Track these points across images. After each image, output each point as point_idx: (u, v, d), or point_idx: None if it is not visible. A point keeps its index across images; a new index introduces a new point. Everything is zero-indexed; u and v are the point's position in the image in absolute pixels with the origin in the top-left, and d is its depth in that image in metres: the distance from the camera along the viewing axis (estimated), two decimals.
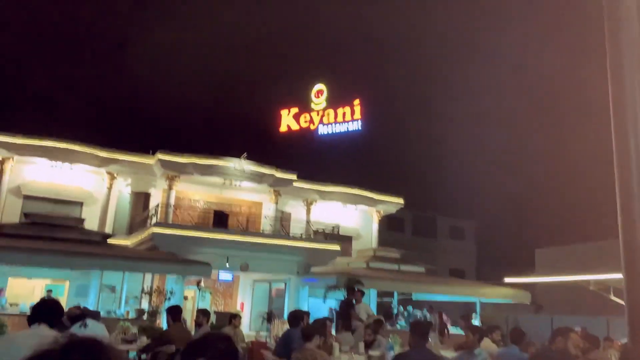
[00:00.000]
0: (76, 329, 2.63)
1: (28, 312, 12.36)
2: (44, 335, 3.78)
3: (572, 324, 20.58)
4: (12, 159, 19.95)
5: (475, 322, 18.14)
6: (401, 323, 18.43)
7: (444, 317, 19.36)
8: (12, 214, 19.27)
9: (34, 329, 3.77)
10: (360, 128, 25.71)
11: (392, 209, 26.26)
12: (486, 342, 7.77)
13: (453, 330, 16.94)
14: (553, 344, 4.33)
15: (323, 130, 26.07)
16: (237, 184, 21.82)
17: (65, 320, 7.35)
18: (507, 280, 21.37)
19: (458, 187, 42.94)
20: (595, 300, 19.26)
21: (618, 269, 4.88)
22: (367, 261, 20.55)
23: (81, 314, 7.40)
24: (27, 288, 17.94)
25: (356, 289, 12.99)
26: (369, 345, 7.60)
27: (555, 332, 4.41)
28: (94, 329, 2.71)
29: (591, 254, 21.35)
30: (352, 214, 25.09)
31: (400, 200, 25.84)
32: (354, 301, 12.06)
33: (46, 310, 3.87)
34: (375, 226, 25.64)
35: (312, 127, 26.13)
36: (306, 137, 26.15)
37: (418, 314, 19.19)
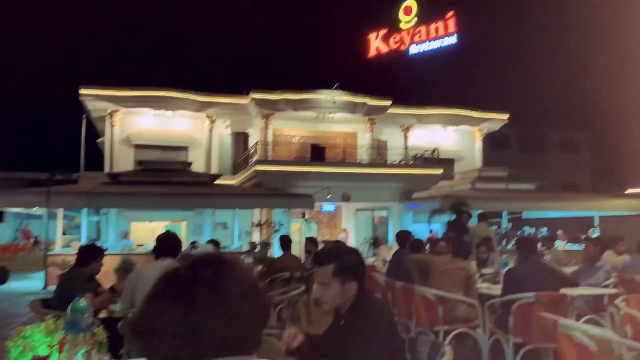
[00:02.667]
0: (187, 250, 2.82)
1: (152, 252, 13.37)
2: (169, 265, 4.08)
3: None
4: (120, 111, 21.27)
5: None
6: (512, 242, 17.90)
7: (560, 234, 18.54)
8: (126, 163, 20.76)
9: (160, 262, 4.07)
10: (455, 42, 24.28)
11: (496, 127, 24.99)
12: (609, 255, 7.27)
13: (557, 244, 16.15)
14: None
15: (415, 49, 24.95)
16: (331, 116, 21.76)
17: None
18: (630, 191, 19.80)
19: (567, 97, 39.76)
20: None
21: None
22: (472, 182, 19.90)
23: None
24: (148, 230, 19.54)
25: (463, 212, 12.67)
26: (481, 264, 7.41)
27: None
28: (204, 249, 2.86)
29: None
30: (452, 136, 24.25)
31: (505, 116, 24.49)
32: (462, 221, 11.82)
33: (168, 245, 4.17)
34: (478, 146, 24.65)
35: (402, 47, 25.08)
36: (397, 59, 25.22)
37: (531, 231, 18.55)
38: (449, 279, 5.25)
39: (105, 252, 15.05)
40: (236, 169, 21.78)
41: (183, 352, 1.04)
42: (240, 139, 22.70)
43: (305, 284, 7.11)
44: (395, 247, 16.58)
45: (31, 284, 14.33)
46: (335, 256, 2.34)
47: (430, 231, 17.80)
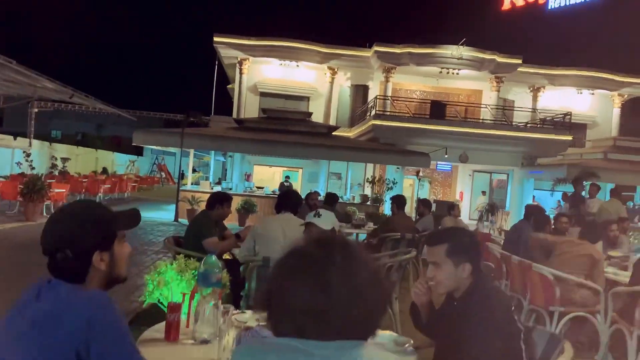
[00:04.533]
0: (311, 218, 2.99)
1: (270, 194, 14.12)
2: (290, 219, 4.36)
3: None
4: (249, 59, 22.16)
5: None
6: None
7: None
8: (252, 110, 21.77)
9: (283, 215, 4.35)
10: None
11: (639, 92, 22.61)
12: None
13: None
14: None
15: (554, 3, 22.95)
16: (455, 72, 20.95)
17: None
18: None
19: None
20: None
21: None
22: (605, 152, 18.39)
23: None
24: (268, 174, 20.60)
25: (589, 183, 11.82)
26: (609, 245, 6.95)
27: None
28: (327, 218, 3.00)
29: None
30: (587, 100, 22.36)
31: None
32: (583, 194, 11.04)
33: (289, 200, 4.44)
34: (616, 112, 22.54)
35: (540, 1, 23.17)
36: (533, 13, 23.38)
37: None
38: (572, 262, 5.03)
39: (230, 192, 16.09)
40: (354, 121, 21.96)
41: (309, 328, 1.11)
42: (360, 91, 22.74)
43: (415, 246, 7.20)
44: (513, 214, 16.02)
45: (164, 215, 15.83)
46: (449, 236, 2.31)
47: (558, 202, 16.81)
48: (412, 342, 2.42)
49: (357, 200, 16.64)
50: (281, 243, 4.02)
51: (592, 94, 22.19)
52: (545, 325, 4.98)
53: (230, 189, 16.69)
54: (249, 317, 2.54)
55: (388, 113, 19.01)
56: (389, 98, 20.71)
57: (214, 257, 2.42)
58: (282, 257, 1.20)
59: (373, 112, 19.20)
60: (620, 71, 21.81)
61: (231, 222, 13.98)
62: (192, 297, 2.42)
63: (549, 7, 22.84)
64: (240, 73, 22.42)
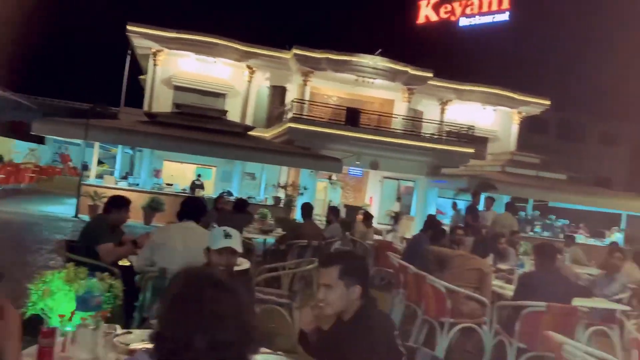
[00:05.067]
0: (221, 239, 2.89)
1: (180, 193, 13.68)
2: (192, 228, 4.25)
3: None
4: (164, 51, 21.43)
5: (618, 237, 16.93)
6: (537, 230, 17.81)
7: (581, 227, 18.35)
8: (165, 104, 21.08)
9: (184, 224, 4.23)
10: (507, 19, 23.46)
11: (536, 111, 24.39)
12: (630, 268, 7.21)
13: (579, 239, 16.03)
14: None
15: (465, 22, 24.21)
16: (370, 81, 21.54)
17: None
18: None
19: (616, 88, 38.21)
20: None
21: None
22: (503, 165, 19.67)
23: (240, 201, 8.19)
24: (179, 170, 20.01)
25: (481, 194, 12.57)
26: (499, 258, 7.43)
27: None
28: (237, 238, 2.95)
29: None
30: (490, 115, 23.80)
31: (546, 102, 23.83)
32: (478, 207, 11.75)
33: (192, 208, 4.32)
34: (515, 128, 24.16)
35: (452, 18, 24.36)
36: (445, 30, 24.56)
37: (557, 223, 18.40)
38: (463, 276, 5.33)
39: (136, 188, 15.42)
40: (271, 122, 21.92)
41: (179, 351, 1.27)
42: (278, 92, 22.75)
43: (321, 253, 7.31)
44: (418, 221, 16.67)
45: (65, 209, 14.93)
46: (341, 258, 2.38)
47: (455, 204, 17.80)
48: None
49: (270, 202, 16.64)
50: (181, 253, 3.92)
51: (495, 110, 23.65)
52: (437, 335, 5.24)
53: (137, 184, 16.07)
54: (134, 338, 2.44)
55: (305, 117, 19.17)
56: (307, 102, 20.88)
57: (94, 280, 2.32)
58: (166, 293, 1.37)
59: (290, 115, 19.28)
60: (520, 90, 23.42)
61: (137, 221, 13.47)
62: (70, 319, 2.29)
63: (460, 25, 24.09)
64: (155, 65, 21.64)
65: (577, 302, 5.02)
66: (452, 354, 5.37)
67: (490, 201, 12.23)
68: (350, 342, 2.20)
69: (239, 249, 2.99)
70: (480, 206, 12.21)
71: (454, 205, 16.14)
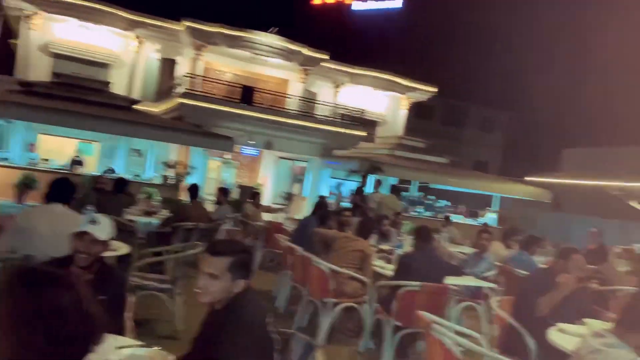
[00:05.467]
0: (86, 225, 2.68)
1: (58, 169, 12.69)
2: (61, 212, 3.92)
3: (588, 225, 20.78)
4: (41, 14, 19.58)
5: (491, 217, 18.41)
6: (420, 210, 18.79)
7: (463, 208, 19.69)
8: (42, 72, 19.33)
9: (52, 207, 3.90)
10: (400, 7, 24.26)
11: (424, 97, 25.60)
12: (496, 246, 7.84)
13: (458, 218, 17.34)
14: (554, 265, 4.30)
15: (358, 6, 24.67)
16: (265, 60, 21.31)
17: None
18: (529, 178, 21.34)
19: (498, 78, 41.17)
20: (611, 203, 19.24)
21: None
22: (391, 148, 20.48)
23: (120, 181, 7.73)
24: (58, 145, 18.48)
25: (369, 176, 13.03)
26: (382, 238, 7.74)
27: (560, 254, 4.36)
28: (104, 226, 2.74)
29: (615, 158, 20.86)
30: (380, 100, 24.58)
31: (433, 89, 25.07)
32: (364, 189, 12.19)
33: (61, 190, 3.98)
34: (403, 113, 25.20)
35: (347, 1, 24.72)
36: (340, 13, 24.87)
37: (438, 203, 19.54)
38: (347, 257, 5.49)
39: (6, 163, 14.06)
40: (161, 96, 20.95)
41: None
42: (168, 66, 21.75)
43: (210, 236, 7.17)
44: (309, 201, 16.91)
45: None
46: (233, 250, 2.28)
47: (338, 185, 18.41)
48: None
49: (157, 181, 15.96)
50: (47, 240, 3.61)
51: (385, 95, 24.48)
52: (320, 315, 5.36)
53: (7, 159, 14.70)
54: None
55: (197, 92, 18.54)
56: (199, 77, 20.20)
57: None
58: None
59: (181, 90, 18.55)
60: (409, 76, 24.41)
61: (7, 199, 12.32)
62: None
63: (354, 9, 24.53)
64: (29, 29, 19.71)
65: (450, 280, 5.37)
66: (335, 332, 5.54)
67: (378, 183, 12.72)
68: (221, 330, 2.16)
69: (103, 236, 2.78)
70: (370, 187, 12.69)
71: (337, 186, 16.71)
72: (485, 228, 7.87)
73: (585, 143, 27.01)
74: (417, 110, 29.60)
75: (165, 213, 8.24)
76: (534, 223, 22.28)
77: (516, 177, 22.07)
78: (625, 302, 2.81)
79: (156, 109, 19.95)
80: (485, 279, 6.58)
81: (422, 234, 5.26)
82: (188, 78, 19.55)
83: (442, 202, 20.47)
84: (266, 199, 18.86)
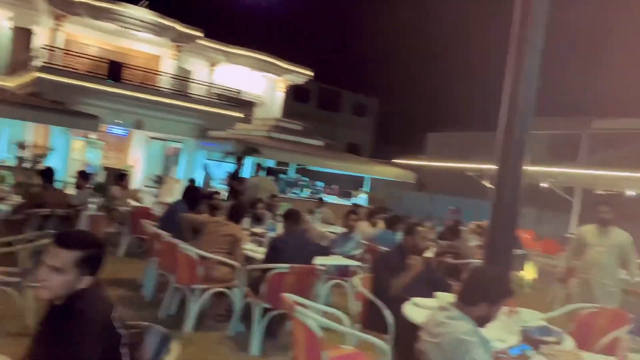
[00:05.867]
0: None
1: None
2: None
3: (449, 203, 22.56)
4: None
5: (362, 198, 19.26)
6: (296, 192, 19.09)
7: (333, 188, 20.36)
8: None
9: None
10: None
11: (300, 80, 25.83)
12: (363, 225, 8.23)
13: (332, 199, 18.04)
14: (403, 241, 4.62)
15: None
16: (135, 34, 20.10)
17: None
18: (396, 161, 22.66)
19: (369, 64, 42.85)
20: (469, 183, 21.10)
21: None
22: (269, 130, 20.50)
23: None
24: None
25: (245, 158, 12.97)
26: (256, 221, 7.75)
27: (406, 231, 4.70)
28: None
29: (471, 142, 22.87)
30: (257, 81, 24.40)
31: (310, 72, 25.38)
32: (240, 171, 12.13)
33: None
34: (280, 95, 25.27)
35: None
36: None
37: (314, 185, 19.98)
38: (217, 242, 5.42)
39: None
40: (14, 69, 18.89)
41: None
42: (23, 36, 19.65)
43: (70, 222, 6.67)
44: (183, 182, 16.43)
45: None
46: (84, 244, 2.11)
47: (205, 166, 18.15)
48: None
49: (11, 163, 14.47)
50: None
51: (262, 76, 24.33)
52: (188, 302, 5.25)
53: None
54: None
55: (57, 67, 16.98)
56: (59, 50, 18.52)
57: None
58: None
59: (38, 64, 16.88)
60: (286, 58, 24.46)
61: None
62: None
63: None
64: None
65: (319, 260, 5.54)
66: (204, 319, 5.46)
67: (258, 166, 12.70)
68: (60, 328, 2.01)
69: None
70: (247, 170, 12.62)
71: (205, 167, 16.46)
72: (352, 209, 8.24)
73: (448, 127, 29.20)
74: (294, 93, 29.90)
75: (17, 199, 7.51)
76: (401, 202, 23.76)
77: (385, 159, 23.28)
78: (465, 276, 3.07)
79: (9, 83, 18.03)
80: (352, 257, 6.90)
81: (292, 217, 5.35)
82: (46, 50, 17.84)
83: (320, 184, 21.01)
84: (137, 182, 17.98)
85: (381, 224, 8.65)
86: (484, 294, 2.80)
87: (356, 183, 22.25)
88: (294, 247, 5.09)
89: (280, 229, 6.89)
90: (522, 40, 5.13)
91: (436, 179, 24.52)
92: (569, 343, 3.53)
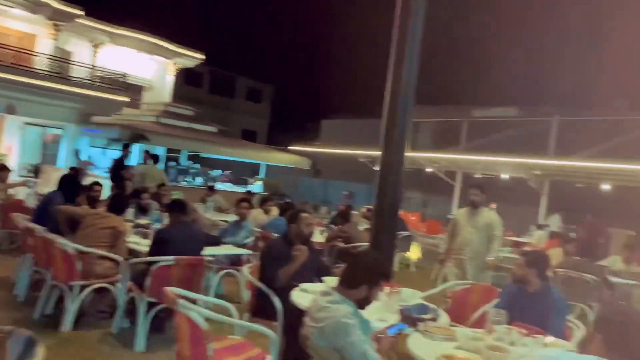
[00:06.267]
0: None
1: None
2: None
3: (343, 188, 23.15)
4: None
5: (258, 185, 19.21)
6: (189, 180, 18.56)
7: (226, 176, 20.10)
8: None
9: None
10: None
11: (191, 64, 25.00)
12: (255, 213, 8.20)
13: (227, 186, 17.92)
14: (290, 230, 4.68)
15: None
16: (5, 10, 18.29)
17: None
18: (291, 147, 22.85)
19: (265, 50, 42.55)
20: (361, 169, 21.84)
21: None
22: (158, 116, 19.68)
23: None
24: None
25: (131, 145, 12.41)
26: (141, 212, 7.43)
27: (289, 219, 4.76)
28: None
29: (365, 128, 23.63)
30: (145, 64, 23.26)
31: (202, 56, 24.63)
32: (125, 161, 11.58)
33: None
34: (170, 79, 24.30)
35: None
36: None
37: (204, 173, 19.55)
38: (97, 235, 5.11)
39: None
40: None
41: None
42: None
43: None
44: (64, 171, 15.37)
45: None
46: None
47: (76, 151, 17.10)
48: None
49: None
50: None
51: (151, 59, 23.24)
52: (67, 300, 4.92)
53: None
54: None
55: None
56: None
57: None
58: None
59: None
60: (176, 41, 23.51)
61: None
62: None
63: None
64: None
65: (207, 251, 5.44)
66: (86, 316, 5.17)
67: (147, 154, 12.12)
68: None
69: None
70: (135, 158, 12.02)
71: (76, 153, 15.58)
72: (244, 197, 8.16)
73: (342, 114, 29.86)
74: (186, 77, 28.96)
75: None
76: (296, 188, 24.05)
77: (281, 146, 23.34)
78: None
79: None
80: (245, 246, 6.85)
81: (177, 207, 5.18)
82: None
83: (216, 171, 20.63)
84: (13, 173, 16.48)
85: (274, 211, 8.69)
86: (363, 277, 2.90)
87: (252, 170, 22.12)
88: (181, 238, 4.94)
89: (166, 220, 6.67)
90: (403, 33, 5.37)
91: (331, 165, 25.07)
92: (444, 319, 3.78)
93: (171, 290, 3.38)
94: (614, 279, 7.07)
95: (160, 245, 4.92)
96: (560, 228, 13.85)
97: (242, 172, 22.31)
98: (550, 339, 3.21)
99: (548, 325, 3.57)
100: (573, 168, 15.61)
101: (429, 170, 20.17)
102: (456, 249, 6.22)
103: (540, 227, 13.92)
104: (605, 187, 16.06)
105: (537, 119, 19.15)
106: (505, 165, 17.45)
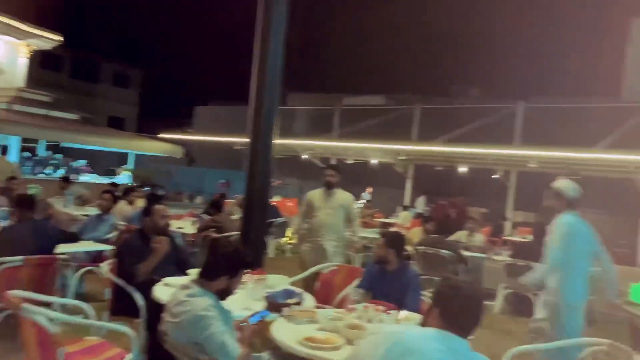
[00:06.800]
0: None
1: None
2: None
3: (221, 177, 22.77)
4: None
5: (126, 175, 18.26)
6: (49, 171, 17.12)
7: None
8: None
9: None
10: None
11: (47, 46, 22.87)
12: (120, 205, 7.78)
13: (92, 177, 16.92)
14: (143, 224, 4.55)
15: None
16: None
17: None
18: (162, 135, 22.03)
19: (137, 34, 40.18)
20: (236, 156, 21.66)
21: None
22: (9, 102, 17.81)
23: None
24: None
25: None
26: None
27: (142, 213, 4.64)
28: None
29: (238, 115, 23.42)
30: None
31: (59, 37, 22.58)
32: None
33: None
34: (23, 62, 22.06)
35: None
36: None
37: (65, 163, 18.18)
38: None
39: None
40: None
41: None
42: None
43: None
44: None
45: None
46: None
47: None
48: None
49: None
50: None
51: (0, 40, 20.87)
52: None
53: None
54: None
55: None
56: None
57: None
58: None
59: None
60: (29, 20, 21.33)
61: None
62: None
63: None
64: None
65: (62, 248, 5.06)
66: None
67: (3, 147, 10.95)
68: None
69: None
70: None
71: None
72: (107, 188, 7.71)
73: (216, 101, 29.30)
74: (43, 61, 26.49)
75: None
76: (171, 178, 23.24)
77: (152, 134, 22.34)
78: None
79: None
80: (107, 241, 6.47)
81: (24, 203, 4.75)
82: None
83: (80, 162, 19.24)
84: None
85: (140, 202, 8.30)
86: (222, 267, 2.87)
87: (121, 160, 20.94)
88: (29, 236, 4.55)
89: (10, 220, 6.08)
90: (267, 21, 5.36)
91: (207, 154, 24.52)
92: (309, 302, 3.86)
93: (14, 293, 3.09)
94: (466, 253, 7.75)
95: (5, 244, 4.49)
96: (424, 210, 14.88)
97: (110, 163, 21.06)
98: (403, 314, 3.43)
99: (405, 302, 3.82)
100: (433, 153, 16.80)
101: (304, 157, 20.52)
102: (312, 230, 6.09)
103: (405, 208, 14.83)
104: (462, 169, 17.49)
105: (402, 107, 20.29)
106: (374, 151, 18.31)
